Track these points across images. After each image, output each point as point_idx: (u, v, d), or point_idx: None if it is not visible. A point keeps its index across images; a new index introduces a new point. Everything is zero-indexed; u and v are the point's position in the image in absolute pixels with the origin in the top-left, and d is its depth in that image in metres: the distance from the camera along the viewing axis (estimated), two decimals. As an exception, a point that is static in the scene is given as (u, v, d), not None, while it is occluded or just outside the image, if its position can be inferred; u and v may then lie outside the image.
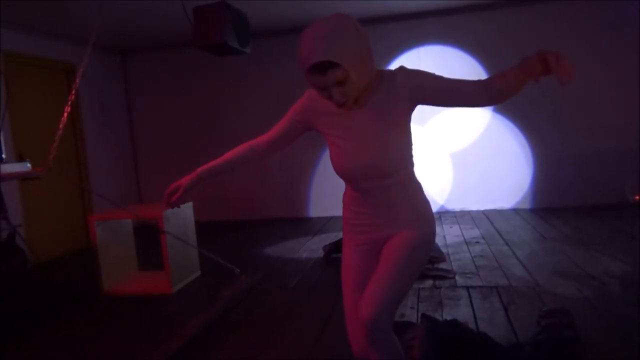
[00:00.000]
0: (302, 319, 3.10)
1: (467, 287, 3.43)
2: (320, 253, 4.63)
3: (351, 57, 1.43)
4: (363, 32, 1.49)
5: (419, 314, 2.79)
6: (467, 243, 4.68)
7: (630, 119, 5.70)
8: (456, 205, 6.39)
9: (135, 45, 6.69)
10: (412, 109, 1.64)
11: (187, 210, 4.14)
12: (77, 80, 3.17)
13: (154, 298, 3.72)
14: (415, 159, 1.72)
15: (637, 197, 5.64)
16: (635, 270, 3.43)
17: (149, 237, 4.46)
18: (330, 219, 6.39)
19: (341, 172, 1.69)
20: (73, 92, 3.14)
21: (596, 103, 5.84)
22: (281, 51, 6.43)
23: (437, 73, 1.60)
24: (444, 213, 6.23)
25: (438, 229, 4.99)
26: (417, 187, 1.74)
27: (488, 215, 5.92)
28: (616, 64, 5.73)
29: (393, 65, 6.23)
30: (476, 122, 6.17)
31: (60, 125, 3.14)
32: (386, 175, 1.64)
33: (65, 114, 3.12)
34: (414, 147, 1.70)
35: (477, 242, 4.67)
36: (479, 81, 1.58)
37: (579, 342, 2.27)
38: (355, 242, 1.78)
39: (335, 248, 4.46)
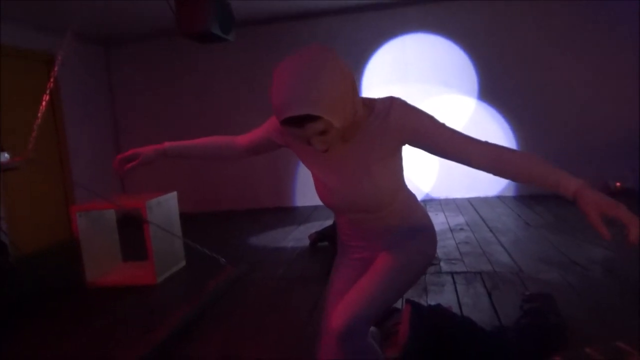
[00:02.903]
0: (290, 307, 3.10)
1: (452, 273, 3.45)
2: (306, 242, 4.63)
3: (332, 105, 1.19)
4: (345, 68, 1.27)
5: (404, 300, 2.80)
6: (451, 230, 4.71)
7: (616, 110, 5.76)
8: (441, 193, 6.42)
9: (118, 35, 6.55)
10: (403, 145, 1.47)
11: (171, 200, 4.10)
12: (56, 69, 3.11)
13: (138, 289, 3.69)
14: (405, 178, 1.61)
15: (619, 185, 5.71)
16: (617, 257, 3.48)
17: (132, 228, 4.41)
18: (315, 208, 6.39)
19: (325, 204, 1.60)
20: (51, 80, 3.07)
21: (581, 93, 5.87)
22: (270, 40, 6.38)
23: (441, 120, 1.43)
24: (429, 201, 6.26)
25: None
26: (410, 205, 1.64)
27: (472, 203, 5.97)
28: (605, 58, 5.74)
29: (377, 54, 6.23)
30: (461, 110, 6.18)
31: (39, 115, 3.07)
32: (372, 210, 1.54)
33: (44, 103, 3.05)
34: (404, 172, 1.58)
35: (462, 229, 4.71)
36: (489, 145, 1.40)
37: (563, 327, 2.30)
38: (348, 257, 1.74)
39: (321, 237, 4.46)
